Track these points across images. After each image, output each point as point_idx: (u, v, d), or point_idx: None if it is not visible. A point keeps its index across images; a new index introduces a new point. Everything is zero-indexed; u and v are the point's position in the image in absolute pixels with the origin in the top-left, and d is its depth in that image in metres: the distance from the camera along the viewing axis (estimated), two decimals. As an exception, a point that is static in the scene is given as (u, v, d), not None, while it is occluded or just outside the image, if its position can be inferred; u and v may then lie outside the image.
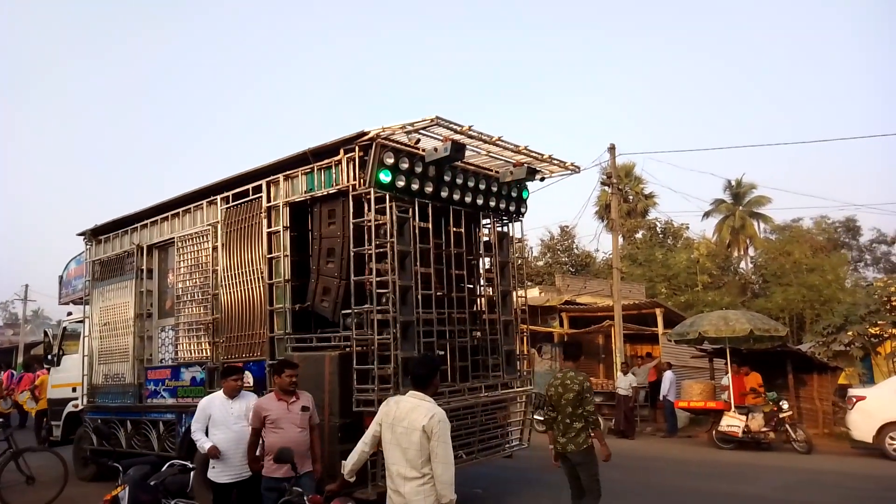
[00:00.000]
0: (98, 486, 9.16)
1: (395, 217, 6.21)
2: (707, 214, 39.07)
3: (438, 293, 6.89)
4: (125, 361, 8.78)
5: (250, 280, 7.16)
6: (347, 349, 6.14)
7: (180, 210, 8.26)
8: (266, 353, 6.83)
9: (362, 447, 3.97)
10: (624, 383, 14.33)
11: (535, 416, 13.46)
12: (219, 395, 5.65)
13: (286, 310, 6.73)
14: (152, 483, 5.07)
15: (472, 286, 7.75)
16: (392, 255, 6.11)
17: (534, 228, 47.74)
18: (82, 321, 10.03)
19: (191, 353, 7.88)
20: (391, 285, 6.07)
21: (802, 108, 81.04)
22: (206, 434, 5.49)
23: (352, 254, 6.24)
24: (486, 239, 7.79)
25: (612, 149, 17.18)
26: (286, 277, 6.78)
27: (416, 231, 6.51)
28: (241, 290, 7.26)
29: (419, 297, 6.43)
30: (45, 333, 12.39)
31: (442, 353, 6.86)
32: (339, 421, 5.97)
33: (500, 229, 7.82)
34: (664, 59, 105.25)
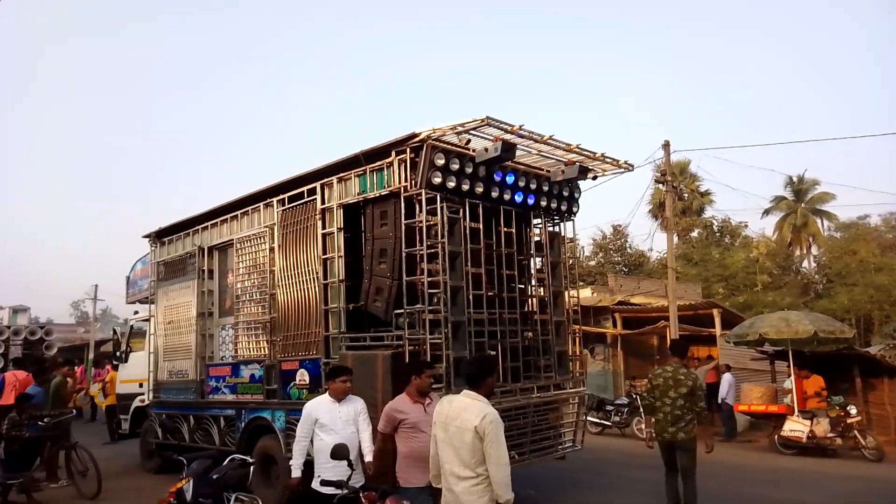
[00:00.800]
0: (162, 477, 9.54)
1: (445, 218, 6.26)
2: (767, 212, 37.75)
3: (489, 293, 6.90)
4: (188, 358, 9.11)
5: (306, 280, 7.34)
6: (400, 348, 6.22)
7: (238, 212, 8.53)
8: (321, 351, 6.99)
9: (433, 451, 3.90)
10: None
11: (589, 418, 13.35)
12: (325, 398, 5.25)
13: (340, 309, 6.87)
14: (214, 477, 5.16)
15: (523, 286, 7.72)
16: (443, 255, 6.17)
17: (585, 227, 47.25)
18: (148, 320, 10.47)
19: (249, 351, 8.12)
20: (442, 285, 6.12)
21: (869, 99, 77.37)
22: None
23: (403, 254, 6.32)
24: (537, 239, 7.75)
25: (666, 146, 16.83)
26: (340, 278, 6.93)
27: (467, 231, 6.55)
28: (296, 290, 7.44)
29: (470, 297, 6.47)
30: (114, 331, 13.00)
31: (494, 353, 6.88)
32: (392, 419, 6.04)
33: (551, 229, 7.78)
34: (721, 50, 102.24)
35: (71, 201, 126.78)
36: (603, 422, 14.10)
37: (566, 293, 7.72)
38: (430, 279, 6.14)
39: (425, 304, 6.09)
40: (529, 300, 7.85)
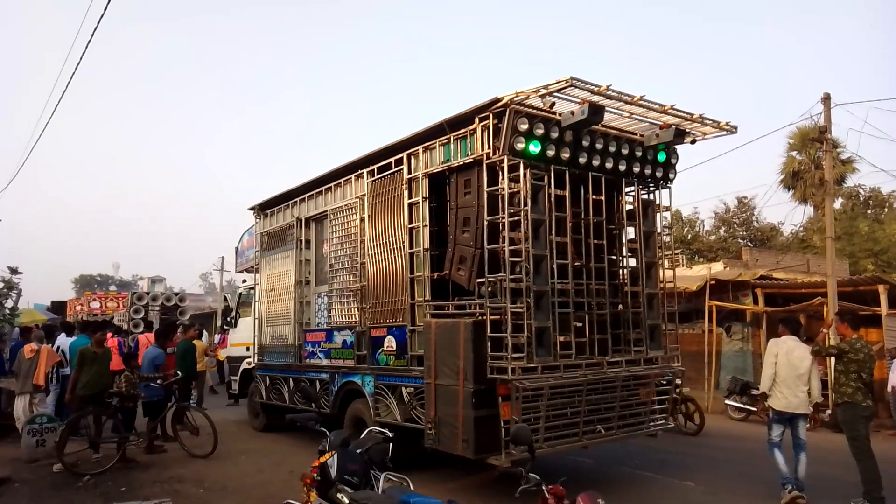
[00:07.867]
0: (272, 436, 10.10)
1: (529, 185, 6.09)
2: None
3: (576, 263, 6.67)
4: (288, 324, 9.59)
5: (393, 249, 7.44)
6: (482, 317, 6.16)
7: (332, 184, 8.78)
8: (407, 319, 7.09)
9: (770, 371, 6.42)
10: None
11: (731, 402, 12.54)
12: None
13: (425, 278, 6.91)
14: (358, 451, 4.71)
15: (614, 257, 7.41)
16: (525, 223, 6.01)
17: (706, 199, 44.51)
18: (253, 288, 11.09)
19: (342, 318, 8.40)
20: (524, 254, 5.98)
21: None
22: None
23: (486, 223, 6.23)
24: (629, 207, 7.39)
25: (826, 99, 13.55)
26: (425, 246, 6.96)
27: (552, 199, 6.34)
28: (384, 259, 7.57)
29: (554, 266, 6.28)
30: (225, 298, 13.92)
31: (580, 324, 6.66)
32: (474, 387, 5.99)
33: (645, 197, 7.39)
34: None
35: (197, 181, 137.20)
36: (747, 407, 12.88)
37: (660, 265, 7.33)
38: (512, 248, 6.02)
39: (507, 273, 5.98)
40: (620, 271, 7.51)
